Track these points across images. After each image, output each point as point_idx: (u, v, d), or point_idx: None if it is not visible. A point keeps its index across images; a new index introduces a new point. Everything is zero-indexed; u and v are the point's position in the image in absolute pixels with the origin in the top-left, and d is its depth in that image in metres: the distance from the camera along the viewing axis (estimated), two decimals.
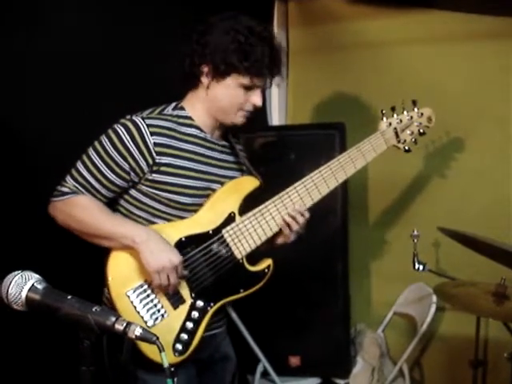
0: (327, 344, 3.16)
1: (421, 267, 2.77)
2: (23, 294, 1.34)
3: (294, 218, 2.06)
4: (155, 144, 1.90)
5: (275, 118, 3.75)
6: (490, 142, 3.08)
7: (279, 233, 2.10)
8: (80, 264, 2.25)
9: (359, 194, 3.50)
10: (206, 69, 1.95)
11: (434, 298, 3.06)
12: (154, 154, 1.90)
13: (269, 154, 3.20)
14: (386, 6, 3.32)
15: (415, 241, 2.75)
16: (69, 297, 1.34)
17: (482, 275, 2.59)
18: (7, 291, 1.33)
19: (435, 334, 3.31)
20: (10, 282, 1.34)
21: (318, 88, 3.60)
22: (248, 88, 1.97)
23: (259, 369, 3.21)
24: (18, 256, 1.98)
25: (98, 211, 1.92)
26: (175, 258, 1.89)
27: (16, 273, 1.36)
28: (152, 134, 1.90)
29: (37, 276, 1.37)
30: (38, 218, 2.01)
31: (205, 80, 1.97)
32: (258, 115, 3.66)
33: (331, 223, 3.19)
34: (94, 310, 1.31)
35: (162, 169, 1.92)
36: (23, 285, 1.34)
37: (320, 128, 3.31)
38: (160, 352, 1.23)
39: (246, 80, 1.95)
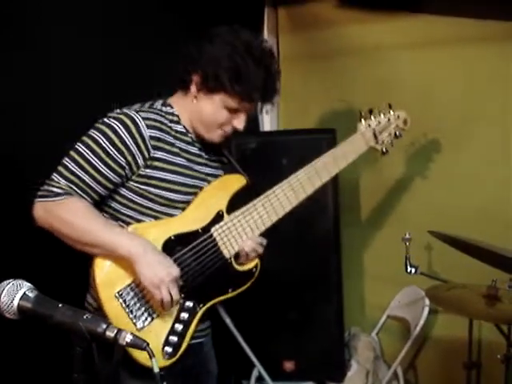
0: (321, 348, 3.16)
1: (413, 270, 2.78)
2: (15, 303, 1.34)
3: (254, 249, 2.04)
4: (151, 137, 1.87)
5: (266, 124, 3.76)
6: (486, 145, 3.09)
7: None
8: (71, 272, 2.24)
9: (351, 197, 3.52)
10: (196, 78, 1.91)
11: (427, 301, 3.07)
12: (150, 148, 1.87)
13: (259, 159, 3.21)
14: (376, 11, 3.33)
15: (407, 244, 2.76)
16: (60, 305, 1.34)
17: (473, 277, 2.60)
18: None
19: (429, 336, 3.33)
20: (2, 291, 1.34)
21: (308, 93, 3.61)
22: (234, 110, 1.92)
23: (254, 374, 3.22)
24: (9, 264, 1.98)
25: (94, 217, 1.84)
26: (174, 270, 1.83)
27: (8, 281, 1.36)
28: (148, 127, 1.87)
29: (28, 284, 1.37)
30: (30, 227, 2.00)
31: (193, 89, 1.93)
32: (249, 121, 3.68)
33: (323, 227, 3.19)
34: (85, 317, 1.31)
35: (155, 164, 1.88)
36: (15, 293, 1.34)
37: (311, 133, 3.32)
38: (150, 358, 1.23)
39: (233, 103, 1.90)
